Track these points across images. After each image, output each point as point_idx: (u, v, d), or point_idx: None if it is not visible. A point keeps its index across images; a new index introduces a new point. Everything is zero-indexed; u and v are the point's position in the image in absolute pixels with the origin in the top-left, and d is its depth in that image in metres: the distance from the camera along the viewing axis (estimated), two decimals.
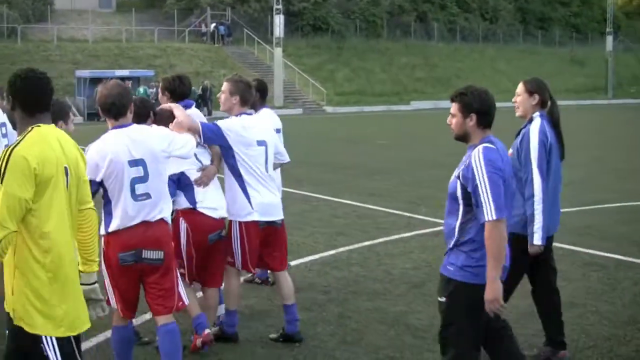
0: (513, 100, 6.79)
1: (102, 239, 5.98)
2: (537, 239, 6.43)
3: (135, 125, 6.10)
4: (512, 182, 5.31)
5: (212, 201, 7.13)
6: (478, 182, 4.96)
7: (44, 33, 57.52)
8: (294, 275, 8.50)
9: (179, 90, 7.44)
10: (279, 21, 52.98)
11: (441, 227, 7.54)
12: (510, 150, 6.54)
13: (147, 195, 6.00)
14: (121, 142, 5.94)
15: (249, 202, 7.17)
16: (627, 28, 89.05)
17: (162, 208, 6.16)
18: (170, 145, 6.21)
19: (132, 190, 5.94)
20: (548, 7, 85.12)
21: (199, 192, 7.07)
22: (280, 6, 52.88)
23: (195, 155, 6.98)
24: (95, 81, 45.43)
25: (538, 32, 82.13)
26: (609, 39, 74.36)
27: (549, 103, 6.81)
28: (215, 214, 7.13)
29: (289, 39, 58.58)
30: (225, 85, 7.32)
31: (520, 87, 6.76)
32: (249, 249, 7.25)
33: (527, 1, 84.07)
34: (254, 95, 7.66)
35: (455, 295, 5.17)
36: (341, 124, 41.96)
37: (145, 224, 6.01)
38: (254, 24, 62.71)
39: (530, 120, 6.68)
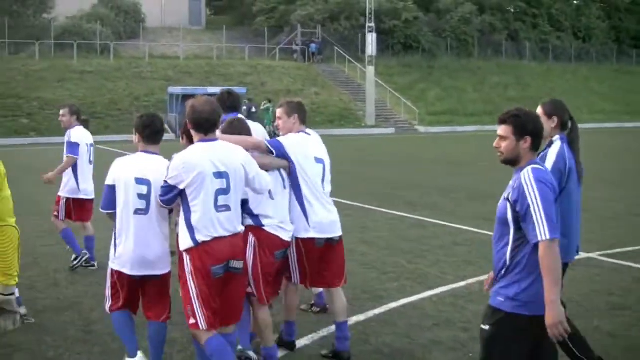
0: None
1: (186, 254, 6.14)
2: None
3: (221, 141, 6.36)
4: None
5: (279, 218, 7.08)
6: (530, 201, 4.75)
7: (135, 50, 57.85)
8: (427, 309, 8.82)
9: (228, 103, 8.17)
10: (371, 39, 52.04)
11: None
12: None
13: (227, 207, 6.17)
14: (208, 154, 6.15)
15: (307, 219, 7.19)
16: None
17: (240, 220, 6.39)
18: (252, 170, 6.39)
19: (216, 201, 6.10)
20: None
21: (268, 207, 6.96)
22: (372, 24, 51.96)
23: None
24: (187, 98, 45.09)
25: (633, 52, 79.92)
26: None
27: (570, 124, 6.64)
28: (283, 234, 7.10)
29: (379, 58, 57.62)
30: (279, 112, 7.41)
31: (539, 110, 6.50)
32: (308, 266, 7.30)
33: (621, 19, 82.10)
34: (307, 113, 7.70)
35: (501, 325, 4.92)
36: (436, 144, 40.89)
37: (231, 235, 6.20)
38: (345, 42, 62.18)
39: (550, 144, 6.53)
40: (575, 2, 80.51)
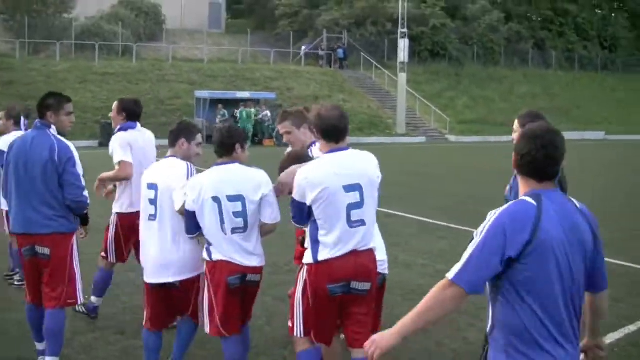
0: (512, 137, 6.28)
1: (305, 267, 5.92)
2: None
3: (353, 150, 5.98)
4: None
5: None
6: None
7: (156, 52, 56.30)
8: None
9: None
10: (403, 45, 50.45)
11: None
12: (507, 187, 6.54)
13: (362, 222, 5.79)
14: (336, 167, 5.78)
15: None
16: None
17: (372, 236, 5.96)
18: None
19: (348, 217, 5.73)
20: None
21: None
22: (405, 30, 50.40)
23: None
24: (215, 102, 43.87)
25: None
26: None
27: None
28: None
29: (406, 64, 56.25)
30: (287, 127, 7.11)
31: (516, 123, 6.61)
32: None
33: None
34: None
35: None
36: (472, 155, 39.35)
37: (355, 253, 5.78)
38: (371, 48, 60.57)
39: None
40: (601, 11, 79.24)
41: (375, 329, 6.02)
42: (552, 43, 72.71)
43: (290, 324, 6.09)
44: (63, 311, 7.04)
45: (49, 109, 7.02)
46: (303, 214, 5.89)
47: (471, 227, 6.06)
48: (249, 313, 6.76)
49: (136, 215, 7.38)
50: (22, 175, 6.91)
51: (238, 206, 6.16)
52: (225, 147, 6.30)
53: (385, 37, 61.05)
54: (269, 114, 43.66)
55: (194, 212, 6.26)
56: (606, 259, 4.07)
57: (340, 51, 58.79)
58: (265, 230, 6.43)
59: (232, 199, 6.16)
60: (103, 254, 8.70)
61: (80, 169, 6.94)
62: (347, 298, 5.87)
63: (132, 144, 8.39)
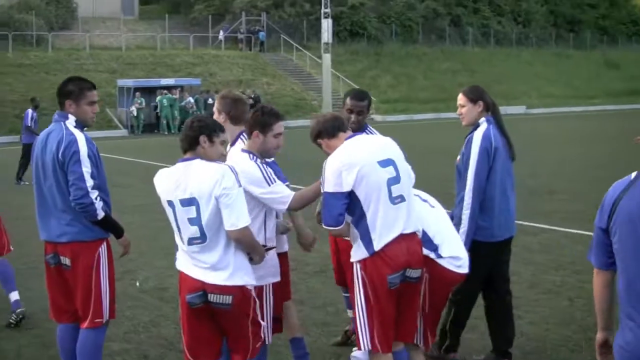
0: (458, 112, 6.78)
1: (359, 264, 5.46)
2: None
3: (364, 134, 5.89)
4: None
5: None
6: None
7: (69, 41, 54.45)
8: None
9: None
10: (327, 26, 49.90)
11: None
12: (458, 157, 6.73)
13: (402, 198, 5.46)
14: (363, 144, 5.57)
15: None
16: None
17: (414, 216, 5.59)
18: None
19: (390, 193, 5.40)
20: (577, 9, 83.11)
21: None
22: (329, 10, 49.83)
23: None
24: (139, 91, 42.75)
25: (569, 35, 79.95)
26: None
27: (492, 107, 6.78)
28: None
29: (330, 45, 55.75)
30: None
31: (462, 99, 6.74)
32: None
33: (557, 4, 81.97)
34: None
35: None
36: (400, 134, 38.79)
37: (404, 238, 5.42)
38: (290, 29, 59.88)
39: (477, 127, 6.66)
40: None
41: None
42: (468, 19, 73.03)
43: (358, 339, 5.58)
44: (93, 332, 6.16)
45: (69, 96, 6.09)
46: (339, 209, 5.37)
47: None
48: (239, 345, 5.54)
49: None
50: (40, 176, 6.13)
51: (192, 211, 5.20)
52: (188, 140, 5.34)
53: (304, 18, 60.43)
54: (192, 101, 42.76)
55: None
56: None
57: (261, 34, 57.96)
58: (235, 240, 5.28)
59: (184, 203, 5.22)
60: None
61: (86, 166, 5.92)
62: (402, 288, 5.48)
63: None
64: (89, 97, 6.18)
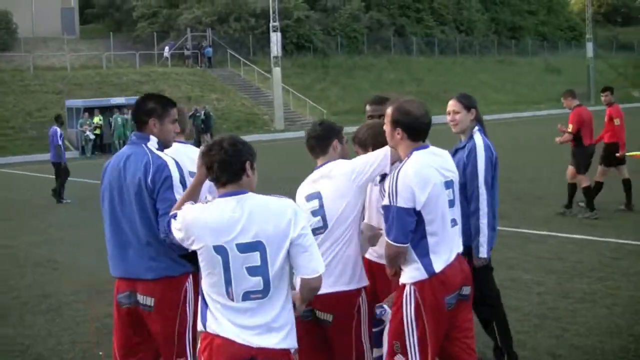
0: (450, 118, 6.63)
1: (413, 287, 5.09)
2: (484, 252, 6.44)
3: (431, 146, 5.28)
4: None
5: None
6: None
7: (10, 63, 53.03)
8: None
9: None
10: (276, 39, 49.54)
11: None
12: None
13: (455, 222, 5.25)
14: (433, 161, 5.12)
15: None
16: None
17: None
18: None
19: (449, 216, 5.17)
20: (517, 16, 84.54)
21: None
22: (277, 23, 49.49)
23: None
24: (89, 111, 41.98)
25: (511, 42, 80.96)
26: (589, 46, 73.16)
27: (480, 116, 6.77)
28: None
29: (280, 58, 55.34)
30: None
31: (456, 105, 6.61)
32: None
33: (497, 12, 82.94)
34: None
35: None
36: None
37: (459, 255, 5.25)
38: (236, 44, 59.29)
39: (471, 136, 6.61)
40: None
41: None
42: (412, 29, 73.51)
43: None
44: None
45: (151, 115, 5.46)
46: (410, 225, 5.00)
47: None
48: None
49: None
50: (116, 205, 5.41)
51: (255, 258, 4.36)
52: (233, 169, 4.40)
53: (250, 33, 60.03)
54: None
55: None
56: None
57: (208, 50, 57.26)
58: (311, 290, 4.60)
59: (245, 248, 4.32)
60: None
61: (179, 193, 5.18)
62: (457, 307, 5.25)
63: None
64: (172, 114, 5.56)
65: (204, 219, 4.32)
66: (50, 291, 10.85)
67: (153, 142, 5.46)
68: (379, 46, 69.35)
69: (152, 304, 5.34)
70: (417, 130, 5.13)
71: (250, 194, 4.36)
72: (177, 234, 4.48)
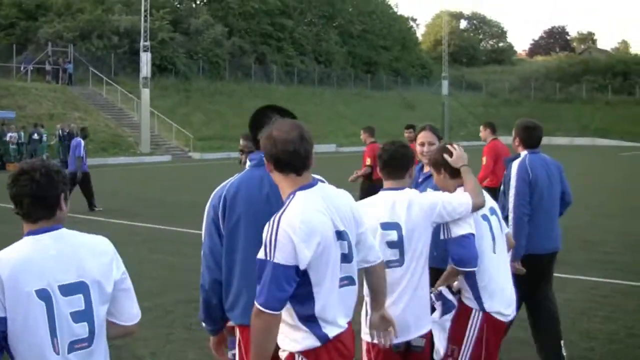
0: (425, 149, 6.45)
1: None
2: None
3: (323, 183, 4.20)
4: None
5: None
6: None
7: None
8: None
9: None
10: (146, 59, 48.43)
11: None
12: None
13: (350, 280, 4.15)
14: (324, 205, 3.96)
15: None
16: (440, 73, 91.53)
17: None
18: (362, 223, 4.39)
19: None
20: (373, 51, 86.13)
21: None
22: (148, 43, 48.43)
23: None
24: None
25: (367, 76, 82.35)
26: (445, 84, 75.41)
27: None
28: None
29: (134, 80, 53.93)
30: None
31: (431, 137, 6.50)
32: None
33: (354, 46, 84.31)
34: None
35: None
36: (219, 173, 38.35)
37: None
38: (97, 62, 57.53)
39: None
40: (315, 27, 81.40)
41: None
42: (272, 57, 73.68)
43: None
44: None
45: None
46: (288, 287, 3.84)
47: None
48: None
49: None
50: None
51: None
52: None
53: (112, 52, 58.59)
54: (16, 135, 40.13)
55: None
56: None
57: (70, 66, 55.20)
58: None
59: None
60: None
61: None
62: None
63: None
64: None
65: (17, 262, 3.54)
66: None
67: None
68: (240, 73, 69.12)
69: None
70: (286, 161, 3.98)
71: (64, 229, 3.71)
72: None
